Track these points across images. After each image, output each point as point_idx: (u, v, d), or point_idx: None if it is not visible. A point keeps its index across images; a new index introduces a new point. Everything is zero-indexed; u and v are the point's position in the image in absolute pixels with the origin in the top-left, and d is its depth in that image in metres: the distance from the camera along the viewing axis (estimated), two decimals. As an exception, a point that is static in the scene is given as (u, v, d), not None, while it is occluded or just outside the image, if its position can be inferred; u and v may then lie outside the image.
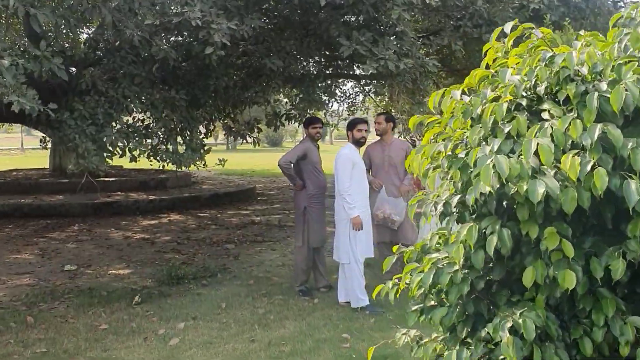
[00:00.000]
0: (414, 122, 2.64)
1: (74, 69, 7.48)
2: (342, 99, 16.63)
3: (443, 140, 2.38)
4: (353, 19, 7.28)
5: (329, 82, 12.09)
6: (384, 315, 5.54)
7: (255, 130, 9.41)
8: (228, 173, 20.03)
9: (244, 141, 9.90)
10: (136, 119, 7.62)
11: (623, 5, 10.55)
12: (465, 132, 2.30)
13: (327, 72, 10.11)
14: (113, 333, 5.15)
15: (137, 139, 6.66)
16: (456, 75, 9.72)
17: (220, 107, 8.46)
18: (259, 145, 9.62)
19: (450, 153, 2.31)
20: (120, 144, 6.66)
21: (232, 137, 9.51)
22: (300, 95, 8.60)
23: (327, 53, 8.80)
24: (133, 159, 7.31)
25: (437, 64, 7.15)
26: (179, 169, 7.66)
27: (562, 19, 9.06)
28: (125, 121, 7.10)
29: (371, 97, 17.98)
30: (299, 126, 11.52)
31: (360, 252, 5.73)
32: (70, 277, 7.16)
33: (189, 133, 7.28)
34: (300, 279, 6.41)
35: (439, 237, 2.50)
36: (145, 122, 7.49)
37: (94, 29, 7.89)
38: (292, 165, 6.42)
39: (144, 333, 5.15)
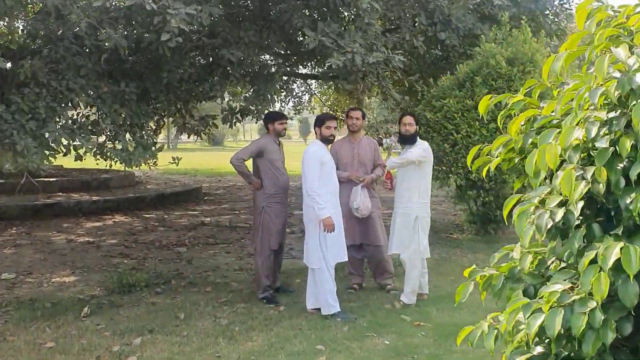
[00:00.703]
0: (485, 105, 2.17)
1: (8, 61, 6.85)
2: (287, 97, 16.23)
3: (580, 124, 1.75)
4: (316, 10, 6.90)
5: (285, 78, 11.72)
6: (357, 322, 5.22)
7: (210, 126, 8.91)
8: (171, 172, 19.30)
9: (198, 138, 9.35)
10: (80, 114, 7.02)
11: (569, 7, 10.58)
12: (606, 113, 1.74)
13: (287, 65, 9.72)
14: (60, 352, 4.62)
15: (82, 135, 6.09)
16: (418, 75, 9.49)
17: (172, 101, 7.91)
18: (209, 142, 9.02)
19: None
20: (64, 141, 6.07)
21: (181, 134, 8.86)
22: (255, 90, 8.16)
23: (285, 45, 8.40)
24: (78, 157, 6.73)
25: (402, 59, 6.86)
26: (128, 169, 7.12)
27: (513, 20, 9.01)
28: (70, 116, 6.50)
29: (317, 96, 17.73)
30: (256, 122, 11.06)
31: (332, 256, 5.38)
32: (8, 287, 6.53)
33: (138, 130, 6.73)
34: (263, 285, 6.02)
35: (533, 257, 1.93)
36: (92, 118, 6.89)
37: (33, 15, 7.22)
38: (243, 162, 6.04)
39: (96, 350, 4.64)
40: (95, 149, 6.58)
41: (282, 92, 13.04)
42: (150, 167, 7.17)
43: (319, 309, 5.44)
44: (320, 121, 5.69)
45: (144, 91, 6.85)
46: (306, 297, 5.59)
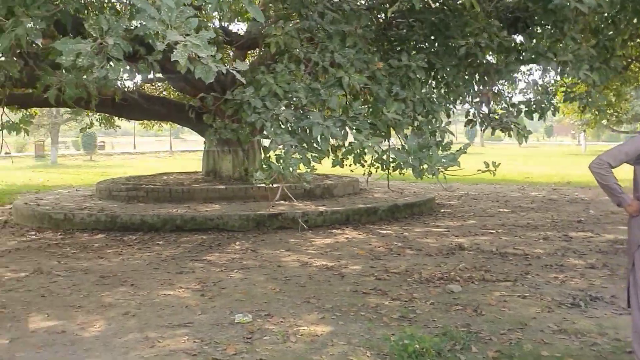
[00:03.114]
0: None
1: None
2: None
3: None
4: None
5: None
6: None
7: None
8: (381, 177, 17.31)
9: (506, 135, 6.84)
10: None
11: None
12: None
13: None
14: None
15: (360, 130, 4.14)
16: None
17: (468, 80, 5.69)
18: (520, 140, 6.62)
19: None
20: (334, 139, 4.18)
21: (483, 128, 6.59)
22: None
23: None
24: (338, 162, 4.83)
25: None
26: (418, 179, 5.02)
27: None
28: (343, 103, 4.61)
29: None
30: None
31: None
32: (246, 337, 4.79)
33: (434, 120, 4.65)
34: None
35: None
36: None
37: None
38: (610, 170, 3.72)
39: None
40: (380, 151, 4.58)
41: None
42: (444, 177, 4.98)
43: None
44: None
45: (429, 66, 4.75)
46: None
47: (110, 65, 3.13)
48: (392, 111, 4.25)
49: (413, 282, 6.52)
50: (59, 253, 8.21)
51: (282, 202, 11.14)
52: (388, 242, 8.75)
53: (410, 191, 13.70)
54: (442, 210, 12.22)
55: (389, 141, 4.98)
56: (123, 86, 11.66)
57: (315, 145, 4.11)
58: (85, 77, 5.11)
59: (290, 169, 3.74)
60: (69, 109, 20.62)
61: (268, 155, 4.52)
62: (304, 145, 3.89)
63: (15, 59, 5.86)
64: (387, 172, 6.03)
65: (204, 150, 13.74)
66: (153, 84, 17.36)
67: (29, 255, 8.10)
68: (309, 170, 4.16)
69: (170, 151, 48.88)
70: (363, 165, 5.71)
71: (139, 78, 13.89)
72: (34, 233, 9.87)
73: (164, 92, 18.21)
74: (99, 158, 40.37)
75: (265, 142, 4.82)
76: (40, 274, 7.02)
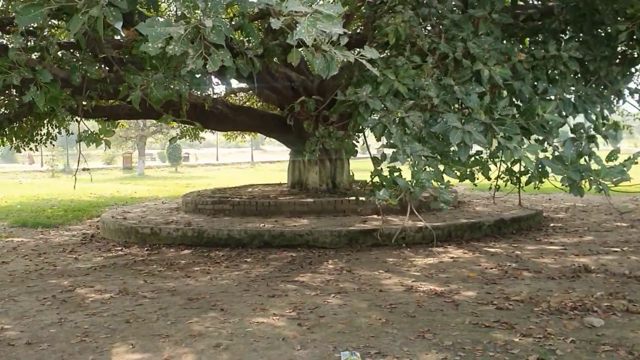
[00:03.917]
0: None
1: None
2: None
3: None
4: None
5: None
6: None
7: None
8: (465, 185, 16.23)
9: None
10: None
11: None
12: None
13: None
14: None
15: (510, 136, 3.34)
16: None
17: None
18: None
19: None
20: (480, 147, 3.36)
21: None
22: None
23: None
24: (468, 175, 4.03)
25: None
26: (575, 195, 4.13)
27: None
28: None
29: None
30: None
31: None
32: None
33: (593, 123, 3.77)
34: None
35: None
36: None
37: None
38: None
39: None
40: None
41: None
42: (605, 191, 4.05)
43: None
44: None
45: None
46: None
47: (209, 54, 2.49)
48: (549, 111, 3.41)
49: (541, 312, 5.58)
50: (145, 271, 7.78)
51: (374, 216, 10.39)
52: (500, 263, 7.79)
53: (511, 203, 12.57)
54: (552, 225, 11.06)
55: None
56: (213, 93, 11.20)
57: (451, 155, 3.32)
58: (175, 75, 4.56)
59: (423, 184, 2.98)
60: (155, 121, 20.66)
61: (379, 167, 3.79)
62: (436, 155, 3.13)
63: (92, 55, 5.46)
64: (518, 186, 5.15)
65: (290, 161, 13.18)
66: (236, 94, 17.03)
67: (115, 273, 7.71)
68: (443, 186, 3.37)
69: (251, 162, 49.20)
70: (489, 178, 4.86)
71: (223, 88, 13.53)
72: (120, 248, 9.55)
73: (247, 103, 17.87)
74: (183, 169, 41.02)
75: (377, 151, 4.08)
76: (126, 294, 6.57)
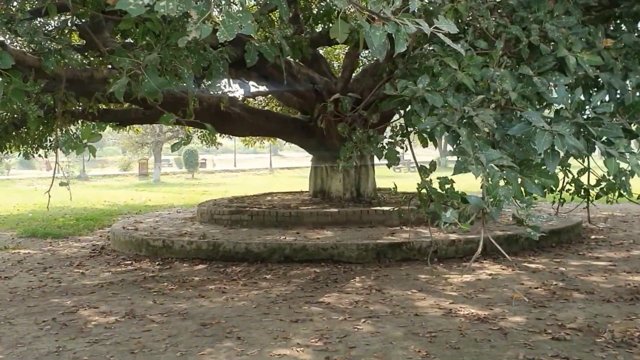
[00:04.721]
0: None
1: None
2: None
3: None
4: None
5: None
6: None
7: None
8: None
9: None
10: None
11: None
12: None
13: None
14: None
15: (612, 140, 2.64)
16: None
17: None
18: None
19: None
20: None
21: None
22: None
23: None
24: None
25: None
26: None
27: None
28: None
29: None
30: None
31: None
32: None
33: None
34: None
35: None
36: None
37: None
38: None
39: None
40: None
41: None
42: None
43: None
44: None
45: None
46: None
47: (219, 20, 1.79)
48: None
49: (605, 344, 4.83)
50: (155, 289, 7.13)
51: (402, 227, 9.67)
52: (544, 281, 7.04)
53: (546, 212, 11.77)
54: (593, 237, 10.26)
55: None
56: (229, 89, 10.38)
57: (537, 164, 2.63)
58: (176, 56, 3.73)
59: (500, 202, 2.31)
60: (170, 127, 20.05)
61: (428, 178, 3.12)
62: (514, 165, 2.45)
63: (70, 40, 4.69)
64: (586, 199, 4.44)
65: (311, 168, 12.50)
66: (255, 97, 16.40)
67: (122, 292, 7.07)
68: (525, 206, 2.66)
69: (270, 168, 48.63)
70: (552, 191, 4.15)
71: (241, 92, 12.86)
72: (130, 262, 8.93)
73: (266, 107, 17.25)
74: (200, 176, 40.56)
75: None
76: (132, 317, 5.93)
